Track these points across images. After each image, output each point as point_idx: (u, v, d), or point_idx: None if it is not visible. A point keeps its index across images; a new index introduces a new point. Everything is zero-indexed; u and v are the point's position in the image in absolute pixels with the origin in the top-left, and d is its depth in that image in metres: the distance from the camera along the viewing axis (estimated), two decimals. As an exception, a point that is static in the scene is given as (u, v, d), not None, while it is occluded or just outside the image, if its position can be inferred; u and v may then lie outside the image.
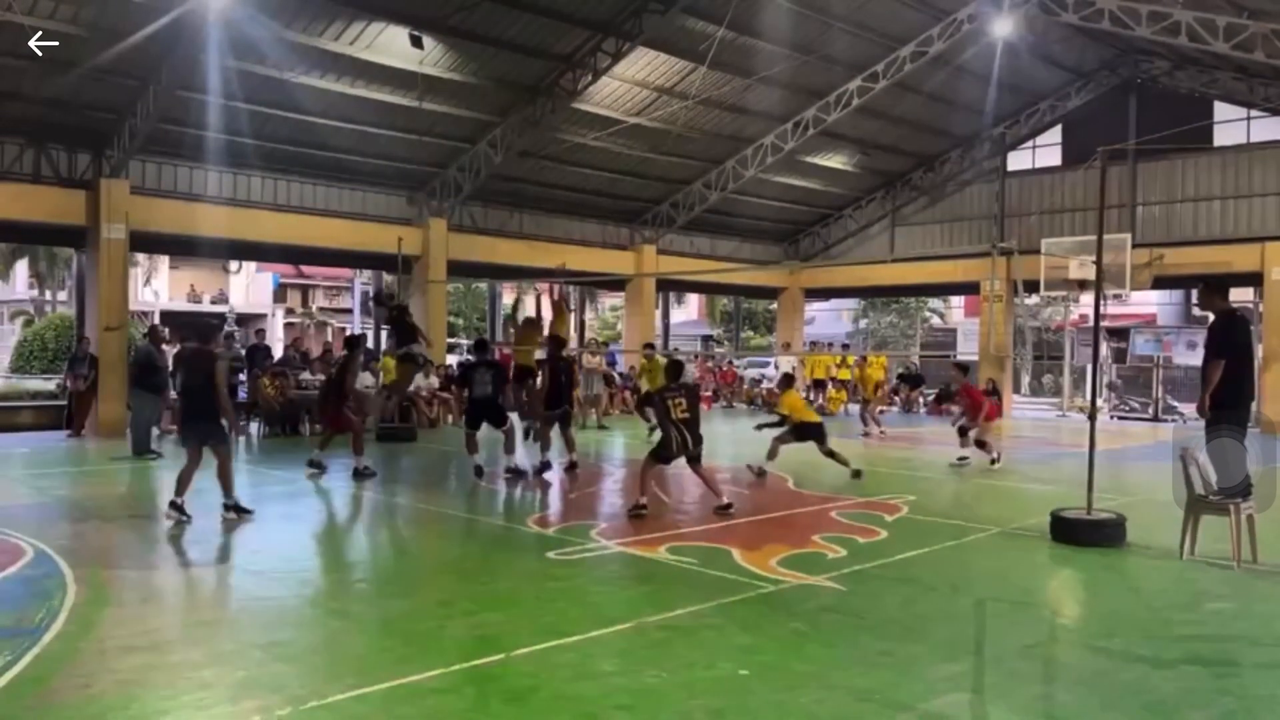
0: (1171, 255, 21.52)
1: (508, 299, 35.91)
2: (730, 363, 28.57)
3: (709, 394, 26.06)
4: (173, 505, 8.64)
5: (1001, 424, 13.48)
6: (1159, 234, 22.83)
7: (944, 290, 34.67)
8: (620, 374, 23.08)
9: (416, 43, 15.68)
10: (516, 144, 18.98)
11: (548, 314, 13.93)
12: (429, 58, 16.42)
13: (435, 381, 18.46)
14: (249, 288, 46.73)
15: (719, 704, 4.47)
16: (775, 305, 31.28)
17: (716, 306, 47.23)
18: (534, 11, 16.21)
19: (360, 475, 11.19)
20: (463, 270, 22.11)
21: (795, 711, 4.41)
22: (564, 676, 4.80)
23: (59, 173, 16.06)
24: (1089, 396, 11.64)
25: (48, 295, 40.76)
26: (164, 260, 41.84)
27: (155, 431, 14.24)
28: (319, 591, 6.76)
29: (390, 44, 15.84)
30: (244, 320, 37.54)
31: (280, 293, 49.34)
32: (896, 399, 25.87)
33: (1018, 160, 25.62)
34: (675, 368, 9.92)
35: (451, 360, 24.41)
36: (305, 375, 17.38)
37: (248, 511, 8.80)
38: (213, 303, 43.99)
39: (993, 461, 13.18)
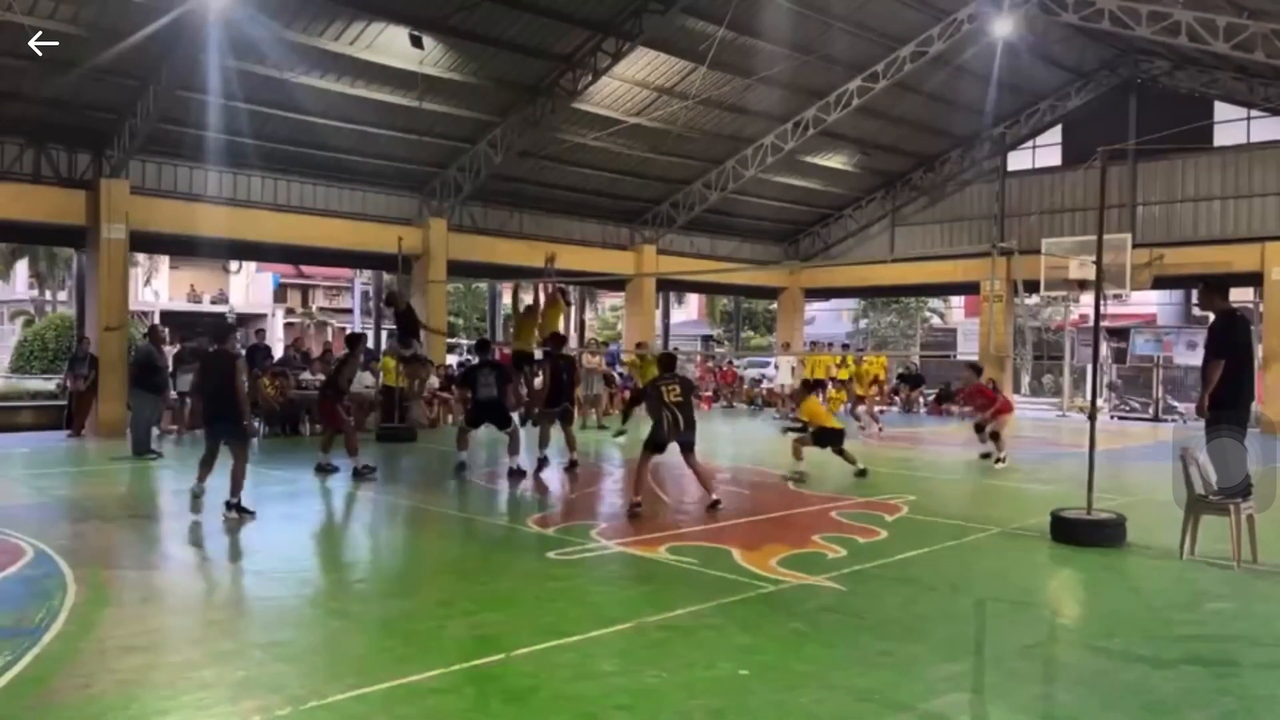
0: (1171, 255, 21.51)
1: (508, 299, 35.86)
2: (730, 363, 28.56)
3: (709, 394, 26.07)
4: (240, 508, 8.81)
5: (1013, 420, 13.60)
6: (1159, 234, 22.83)
7: (944, 290, 34.66)
8: (620, 374, 23.07)
9: (416, 43, 15.68)
10: (516, 144, 18.98)
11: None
12: (429, 58, 16.42)
13: (435, 381, 18.45)
14: (249, 288, 46.74)
15: (719, 704, 4.47)
16: (775, 305, 31.29)
17: (716, 306, 47.23)
18: (534, 11, 16.21)
19: (360, 475, 11.19)
20: (463, 270, 22.11)
21: (795, 711, 4.42)
22: (564, 676, 4.80)
23: (59, 173, 16.06)
24: (1089, 396, 11.63)
25: (48, 295, 40.75)
26: (164, 260, 41.84)
27: (155, 431, 14.25)
28: (319, 591, 6.77)
29: (390, 44, 15.84)
30: (244, 320, 37.50)
31: (280, 293, 49.35)
32: (896, 399, 25.87)
33: (1018, 160, 25.62)
34: (667, 360, 9.95)
35: (451, 360, 24.41)
36: (305, 375, 17.38)
37: (249, 513, 8.81)
38: (213, 303, 44.00)
39: (997, 461, 13.22)
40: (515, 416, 12.48)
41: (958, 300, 42.47)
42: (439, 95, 17.49)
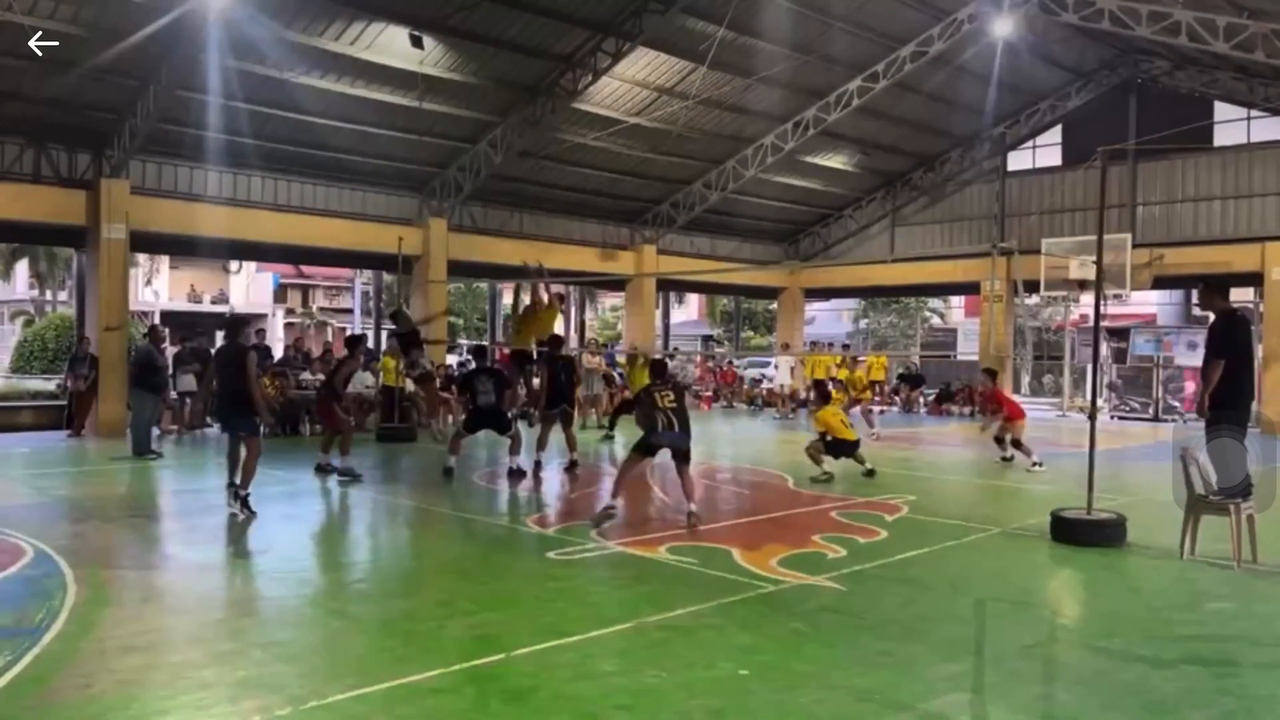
0: (1171, 255, 21.52)
1: (508, 299, 35.86)
2: (730, 363, 28.57)
3: (709, 394, 26.08)
4: (246, 502, 8.83)
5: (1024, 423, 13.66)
6: (1159, 234, 22.83)
7: (944, 290, 34.68)
8: (620, 374, 23.06)
9: (416, 43, 15.68)
10: (516, 144, 18.97)
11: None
12: (429, 58, 16.42)
13: (436, 381, 18.42)
14: (249, 288, 46.75)
15: (719, 704, 4.47)
16: (775, 305, 31.29)
17: (716, 306, 47.23)
18: (534, 11, 16.21)
19: (344, 475, 11.14)
20: (463, 270, 22.12)
21: (795, 711, 4.41)
22: (564, 676, 4.79)
23: (59, 173, 16.06)
24: (1089, 396, 11.63)
25: (48, 295, 40.77)
26: (164, 260, 41.85)
27: (155, 431, 14.24)
28: (319, 591, 6.76)
29: (390, 44, 15.84)
30: (244, 320, 37.51)
31: (280, 293, 49.37)
32: (897, 399, 25.86)
33: (1018, 160, 25.63)
34: (658, 366, 9.87)
35: (451, 360, 24.40)
36: (305, 375, 17.39)
37: (252, 512, 8.82)
38: (213, 303, 44.03)
39: (1003, 459, 13.33)
40: (515, 418, 12.47)
41: (958, 300, 42.48)
42: (439, 95, 17.49)
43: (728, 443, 17.26)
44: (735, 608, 6.05)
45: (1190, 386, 22.17)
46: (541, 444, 12.14)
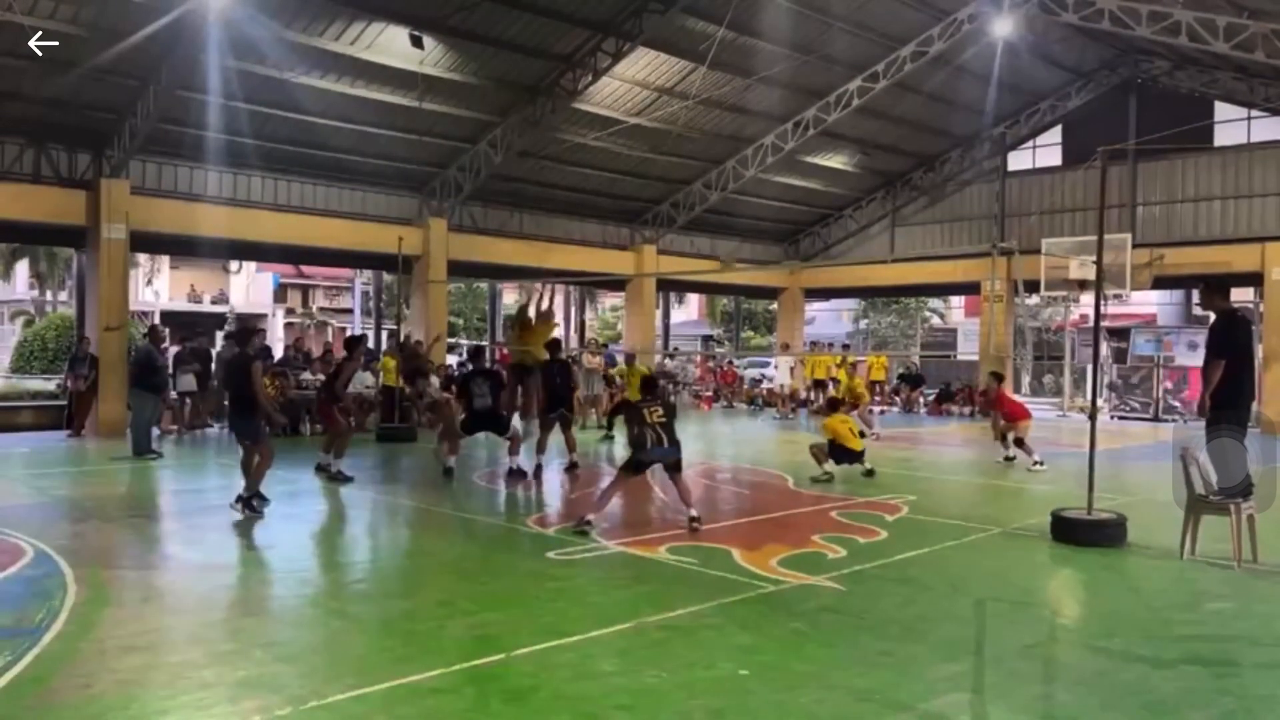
0: (1171, 255, 21.50)
1: (509, 299, 35.90)
2: (730, 363, 28.57)
3: (709, 394, 26.08)
4: (249, 504, 8.88)
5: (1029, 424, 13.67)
6: (1159, 234, 22.83)
7: (944, 290, 34.68)
8: (619, 376, 23.06)
9: (416, 43, 15.68)
10: (516, 144, 18.97)
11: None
12: (429, 58, 16.42)
13: (435, 382, 18.44)
14: (249, 288, 46.76)
15: (719, 704, 4.47)
16: (775, 305, 31.29)
17: (716, 306, 47.24)
18: (534, 11, 16.21)
19: (333, 477, 11.12)
20: (463, 270, 22.11)
21: (795, 711, 4.41)
22: (564, 676, 4.79)
23: (59, 173, 16.06)
24: (1089, 396, 11.63)
25: (48, 295, 40.77)
26: (164, 260, 41.85)
27: (155, 431, 14.24)
28: (319, 591, 6.76)
29: (390, 44, 15.84)
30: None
31: (280, 293, 49.37)
32: (897, 399, 25.86)
33: (1018, 160, 25.63)
34: (649, 383, 9.86)
35: (451, 360, 24.40)
36: (305, 375, 17.38)
37: (257, 514, 8.84)
38: (213, 303, 44.03)
39: (1006, 459, 13.35)
40: (515, 419, 12.44)
41: (958, 300, 42.48)
42: (439, 95, 17.49)
43: (728, 443, 17.26)
44: (735, 608, 6.05)
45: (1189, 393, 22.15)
46: (541, 448, 12.12)
